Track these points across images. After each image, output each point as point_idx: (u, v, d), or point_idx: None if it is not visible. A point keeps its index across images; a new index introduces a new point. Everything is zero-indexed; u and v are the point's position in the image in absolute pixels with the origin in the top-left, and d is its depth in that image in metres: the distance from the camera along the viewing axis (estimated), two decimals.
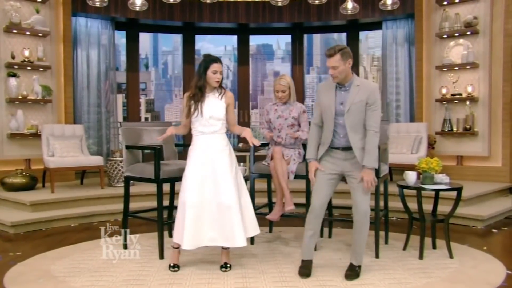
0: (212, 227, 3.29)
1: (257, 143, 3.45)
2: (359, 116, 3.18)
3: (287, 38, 8.72)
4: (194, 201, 3.28)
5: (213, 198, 3.30)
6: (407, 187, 3.76)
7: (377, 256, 3.67)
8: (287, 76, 4.19)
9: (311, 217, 3.26)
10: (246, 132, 3.48)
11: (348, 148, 3.21)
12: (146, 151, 4.17)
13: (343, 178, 3.34)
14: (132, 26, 7.82)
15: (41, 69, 6.34)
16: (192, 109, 3.39)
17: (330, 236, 4.36)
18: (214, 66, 3.38)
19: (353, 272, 3.23)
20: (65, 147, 5.93)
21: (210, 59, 3.41)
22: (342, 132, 3.21)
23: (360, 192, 3.20)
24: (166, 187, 3.76)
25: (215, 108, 3.40)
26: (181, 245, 3.30)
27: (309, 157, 3.33)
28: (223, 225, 3.29)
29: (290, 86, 4.11)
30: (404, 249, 3.90)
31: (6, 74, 6.08)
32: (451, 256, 3.66)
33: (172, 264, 3.41)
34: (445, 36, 6.58)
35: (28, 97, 6.19)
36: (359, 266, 3.28)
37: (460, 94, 6.44)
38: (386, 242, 4.10)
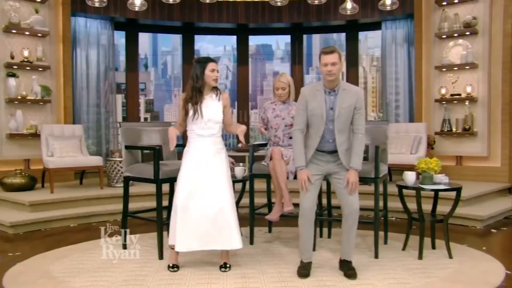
0: (207, 231, 3.28)
1: (243, 142, 3.47)
2: (347, 120, 3.22)
3: (287, 38, 8.73)
4: (187, 203, 3.27)
5: (208, 201, 3.29)
6: (407, 187, 3.76)
7: (376, 256, 3.67)
8: (287, 74, 4.21)
9: (303, 220, 3.26)
10: (240, 129, 3.47)
11: (334, 152, 3.23)
12: (145, 151, 4.17)
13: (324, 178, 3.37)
14: (131, 26, 7.82)
15: (40, 69, 6.33)
16: (191, 112, 3.36)
17: (329, 236, 4.36)
18: (211, 65, 3.38)
19: (353, 271, 3.23)
20: (64, 147, 5.92)
21: (206, 59, 3.42)
22: (330, 137, 3.22)
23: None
24: (165, 187, 3.76)
25: (213, 111, 3.38)
26: (174, 246, 3.31)
27: (299, 165, 3.26)
28: (219, 229, 3.28)
29: (290, 84, 4.12)
30: (404, 249, 3.90)
31: (5, 74, 6.08)
32: (450, 256, 3.66)
33: (171, 264, 3.41)
34: (444, 36, 6.58)
35: (27, 97, 6.18)
36: (351, 262, 3.31)
37: (459, 94, 6.44)
38: (385, 242, 4.10)
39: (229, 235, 3.28)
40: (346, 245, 3.30)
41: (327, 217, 4.28)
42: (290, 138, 4.12)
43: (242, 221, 4.46)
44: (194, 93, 3.37)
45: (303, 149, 3.28)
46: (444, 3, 6.58)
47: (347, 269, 3.26)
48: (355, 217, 3.24)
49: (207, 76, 3.37)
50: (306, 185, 3.20)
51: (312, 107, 3.23)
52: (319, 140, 3.22)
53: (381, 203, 3.88)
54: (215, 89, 3.46)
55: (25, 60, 6.14)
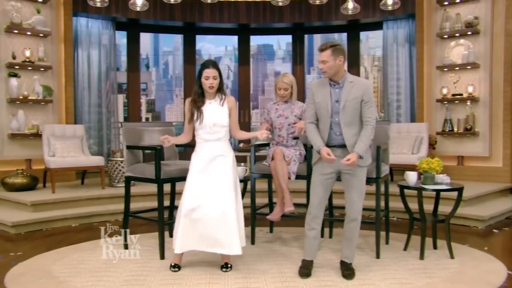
0: (209, 234, 3.28)
1: (263, 137, 3.44)
2: (354, 113, 3.17)
3: (288, 38, 8.73)
4: (191, 207, 3.28)
5: (212, 205, 3.29)
6: (408, 187, 3.76)
7: (378, 256, 3.67)
8: (289, 75, 4.20)
9: (310, 217, 3.27)
10: (256, 133, 3.48)
11: (343, 146, 3.21)
12: (146, 151, 4.17)
13: (338, 178, 3.34)
14: (132, 26, 7.83)
15: (42, 69, 6.34)
16: (195, 116, 3.40)
17: (331, 236, 4.36)
18: (206, 72, 3.35)
19: (351, 271, 3.24)
20: (66, 147, 5.93)
21: (202, 65, 3.42)
22: (338, 130, 3.20)
23: (356, 191, 3.22)
24: (166, 187, 3.76)
25: (218, 115, 3.40)
26: (174, 248, 3.33)
27: (318, 145, 3.21)
28: (220, 232, 3.27)
29: (292, 85, 4.12)
30: (405, 249, 3.89)
31: (7, 74, 6.09)
32: (451, 257, 3.66)
33: (173, 264, 3.41)
34: (446, 36, 6.57)
35: (29, 97, 6.20)
36: (351, 263, 3.30)
37: (461, 94, 6.43)
38: (387, 243, 4.09)
39: (230, 240, 3.27)
40: (347, 248, 3.31)
41: (329, 217, 4.28)
42: (294, 138, 4.13)
43: (244, 221, 4.47)
44: (196, 97, 3.42)
45: (318, 135, 3.25)
46: (446, 3, 6.57)
47: (345, 269, 3.26)
48: (358, 219, 3.25)
49: (203, 83, 3.39)
50: (330, 157, 3.13)
51: (318, 100, 3.23)
52: (328, 133, 3.21)
53: (382, 203, 3.88)
54: (220, 93, 3.46)
55: (27, 60, 6.15)
